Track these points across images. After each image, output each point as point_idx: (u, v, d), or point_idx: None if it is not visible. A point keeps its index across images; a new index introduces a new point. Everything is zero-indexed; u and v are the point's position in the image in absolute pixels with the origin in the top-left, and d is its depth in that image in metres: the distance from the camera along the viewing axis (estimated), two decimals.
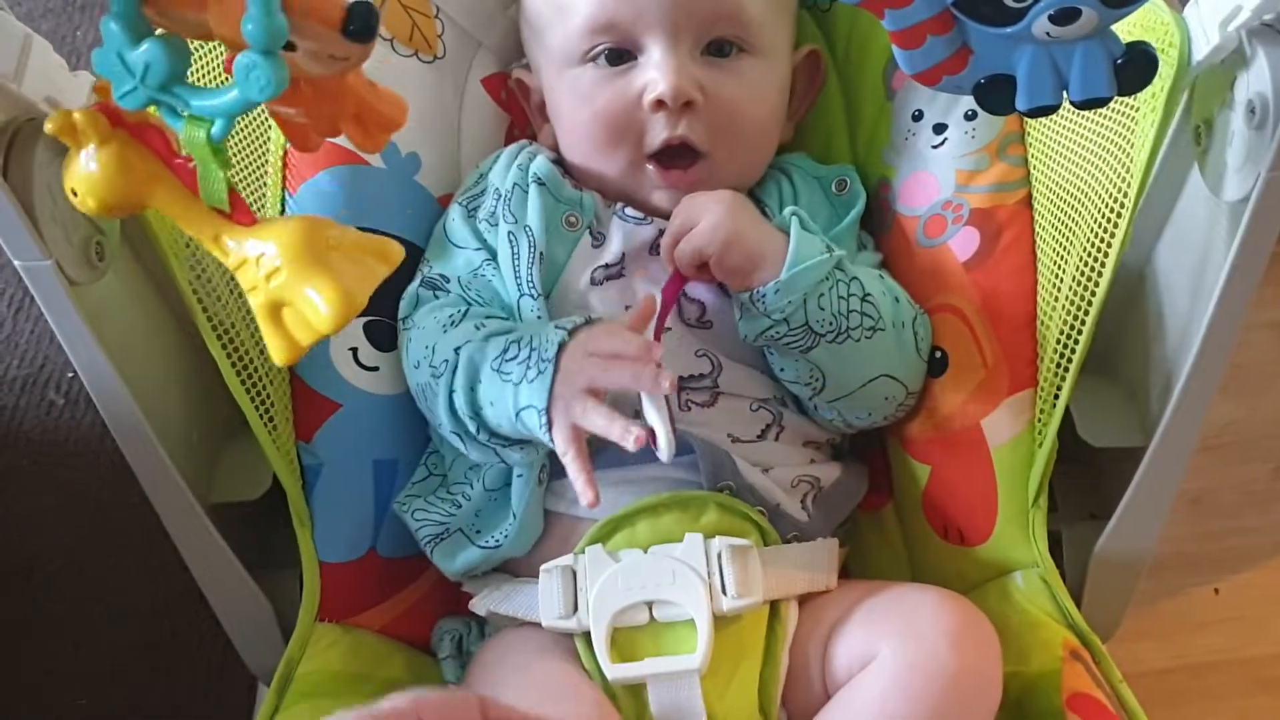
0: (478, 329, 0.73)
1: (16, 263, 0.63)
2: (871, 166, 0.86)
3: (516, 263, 0.77)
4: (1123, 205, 0.68)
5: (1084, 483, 0.82)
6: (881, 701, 0.65)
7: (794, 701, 0.71)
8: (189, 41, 0.53)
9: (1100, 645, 0.72)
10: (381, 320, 0.80)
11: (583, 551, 0.72)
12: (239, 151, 0.79)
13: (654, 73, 0.77)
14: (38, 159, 0.62)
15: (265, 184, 0.80)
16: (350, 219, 0.78)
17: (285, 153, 0.80)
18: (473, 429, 0.72)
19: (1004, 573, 0.77)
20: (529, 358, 0.69)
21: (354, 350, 0.79)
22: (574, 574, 0.72)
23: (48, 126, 0.53)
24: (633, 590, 0.70)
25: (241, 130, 0.79)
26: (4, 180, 0.61)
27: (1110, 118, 0.70)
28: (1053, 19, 0.52)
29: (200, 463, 0.80)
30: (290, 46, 0.50)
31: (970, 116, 0.80)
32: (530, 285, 0.77)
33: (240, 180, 0.78)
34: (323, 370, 0.78)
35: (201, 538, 0.75)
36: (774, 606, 0.72)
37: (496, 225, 0.80)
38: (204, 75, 0.75)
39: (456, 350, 0.72)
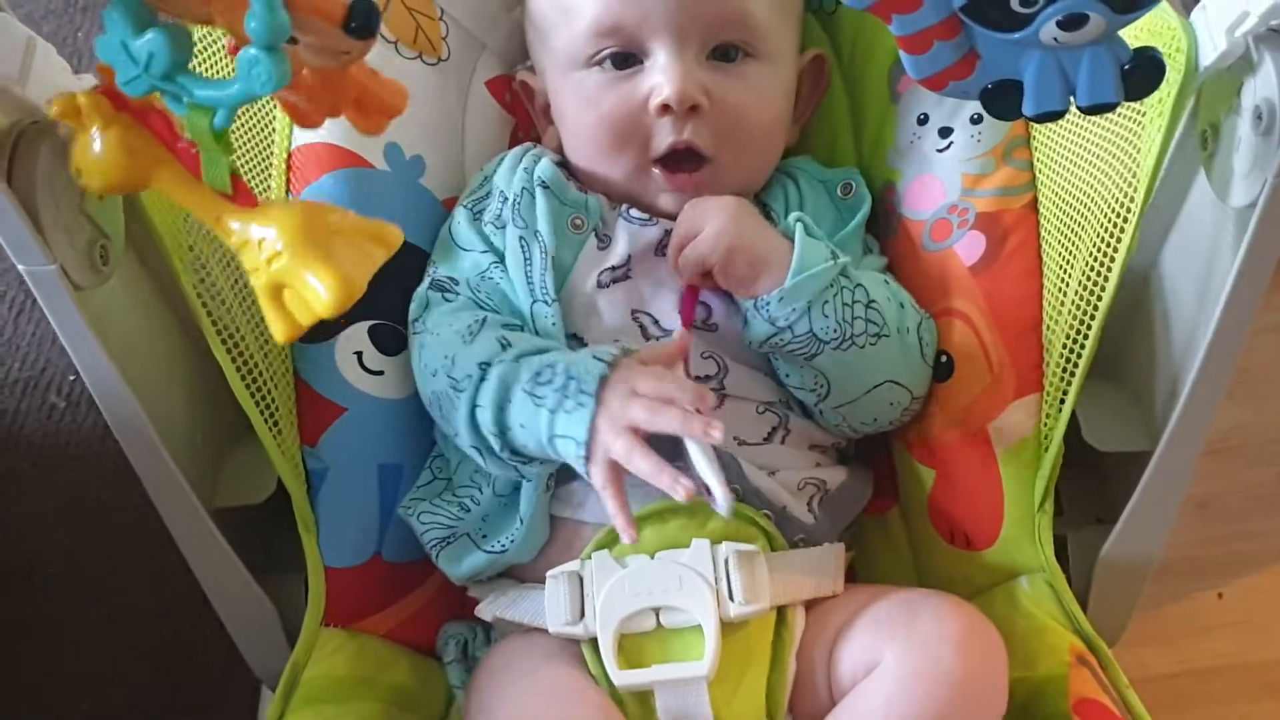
0: (504, 346, 0.73)
1: (21, 267, 0.63)
2: (876, 170, 0.86)
3: (529, 268, 0.77)
4: (1129, 210, 0.68)
5: (1089, 487, 0.82)
6: (886, 707, 0.65)
7: (801, 707, 0.71)
8: (191, 28, 0.54)
9: (1107, 650, 0.72)
10: (386, 324, 0.80)
11: (589, 557, 0.72)
12: (242, 154, 0.79)
13: (659, 77, 0.77)
14: (41, 163, 0.62)
15: (269, 186, 0.80)
16: None
17: (289, 155, 0.80)
18: (496, 446, 0.71)
19: (1010, 577, 0.77)
20: (565, 386, 0.69)
21: (359, 354, 0.79)
22: (580, 580, 0.72)
23: (52, 109, 0.54)
24: (640, 596, 0.70)
25: (245, 131, 0.79)
26: (8, 185, 0.60)
27: (1117, 122, 0.70)
28: (1061, 25, 0.52)
29: (204, 467, 0.79)
30: (293, 40, 0.50)
31: (976, 120, 0.80)
32: (544, 291, 0.77)
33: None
34: (327, 374, 0.78)
35: (206, 542, 0.75)
36: (781, 612, 0.72)
37: (504, 228, 0.80)
38: (206, 60, 0.75)
39: (482, 366, 0.72)
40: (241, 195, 0.55)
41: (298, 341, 0.76)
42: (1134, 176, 0.68)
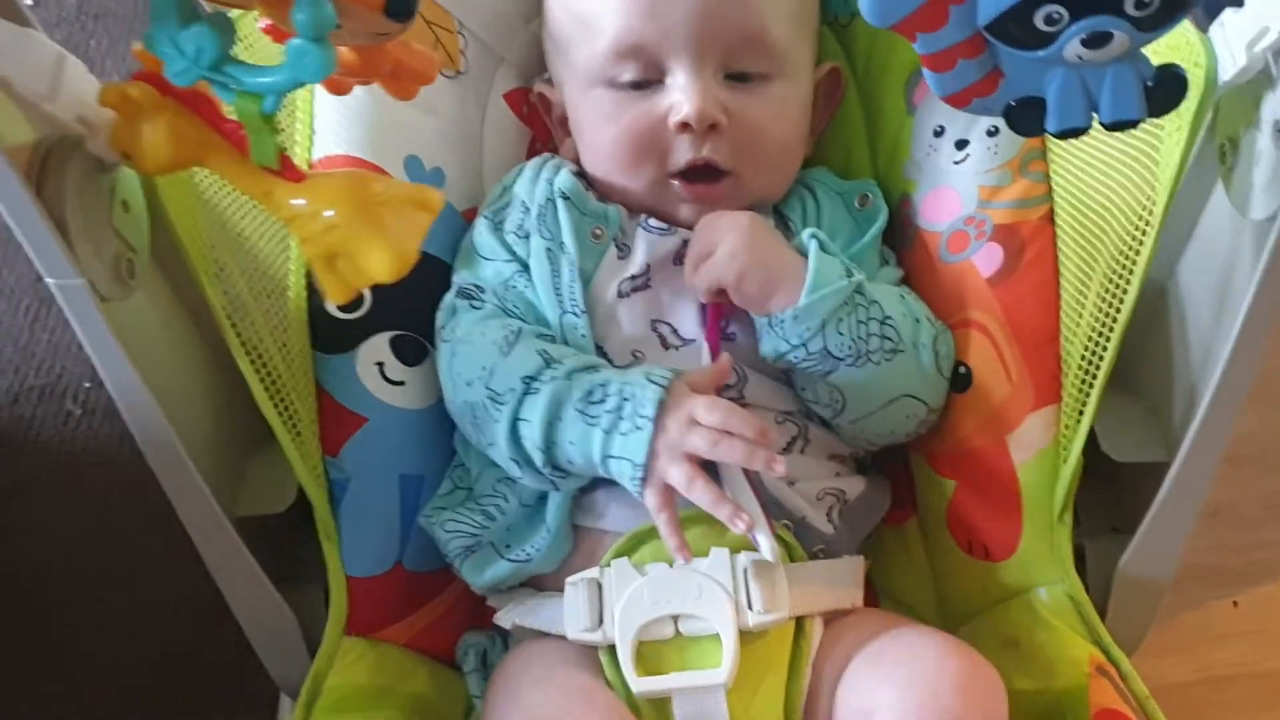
0: (547, 361, 0.74)
1: (49, 280, 0.63)
2: (893, 181, 0.87)
3: (557, 280, 0.78)
4: (1148, 223, 0.68)
5: (1106, 497, 0.82)
6: None
7: (814, 717, 0.71)
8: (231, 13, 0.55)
9: (1126, 661, 0.72)
10: (408, 335, 0.81)
11: (609, 564, 0.73)
12: None
13: (679, 95, 0.78)
14: (70, 178, 0.62)
15: None
16: None
17: (310, 165, 0.80)
18: (539, 461, 0.72)
19: (1028, 588, 0.77)
20: (619, 408, 0.70)
21: (380, 365, 0.79)
22: (599, 587, 0.72)
23: (101, 98, 0.56)
24: (659, 604, 0.70)
25: None
26: (38, 198, 0.61)
27: (1134, 135, 0.70)
28: (1085, 43, 0.52)
29: (225, 477, 0.80)
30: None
31: (992, 133, 0.80)
32: (573, 303, 0.77)
33: None
34: (349, 385, 0.79)
35: (229, 551, 0.75)
36: (799, 622, 0.72)
37: (526, 237, 0.80)
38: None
39: (526, 380, 0.73)
40: (289, 170, 0.57)
41: (319, 352, 0.79)
42: (1152, 189, 0.69)
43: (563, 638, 0.73)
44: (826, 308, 0.73)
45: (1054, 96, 0.55)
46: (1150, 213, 0.68)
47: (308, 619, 0.80)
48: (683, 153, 0.79)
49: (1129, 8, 0.51)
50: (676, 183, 0.80)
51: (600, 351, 0.78)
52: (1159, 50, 0.63)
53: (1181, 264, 0.76)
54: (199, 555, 0.76)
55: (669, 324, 0.79)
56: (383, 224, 0.55)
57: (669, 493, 0.70)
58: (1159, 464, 0.75)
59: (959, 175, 0.81)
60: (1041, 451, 0.76)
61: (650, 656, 0.70)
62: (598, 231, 0.80)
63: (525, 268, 0.80)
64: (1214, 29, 0.65)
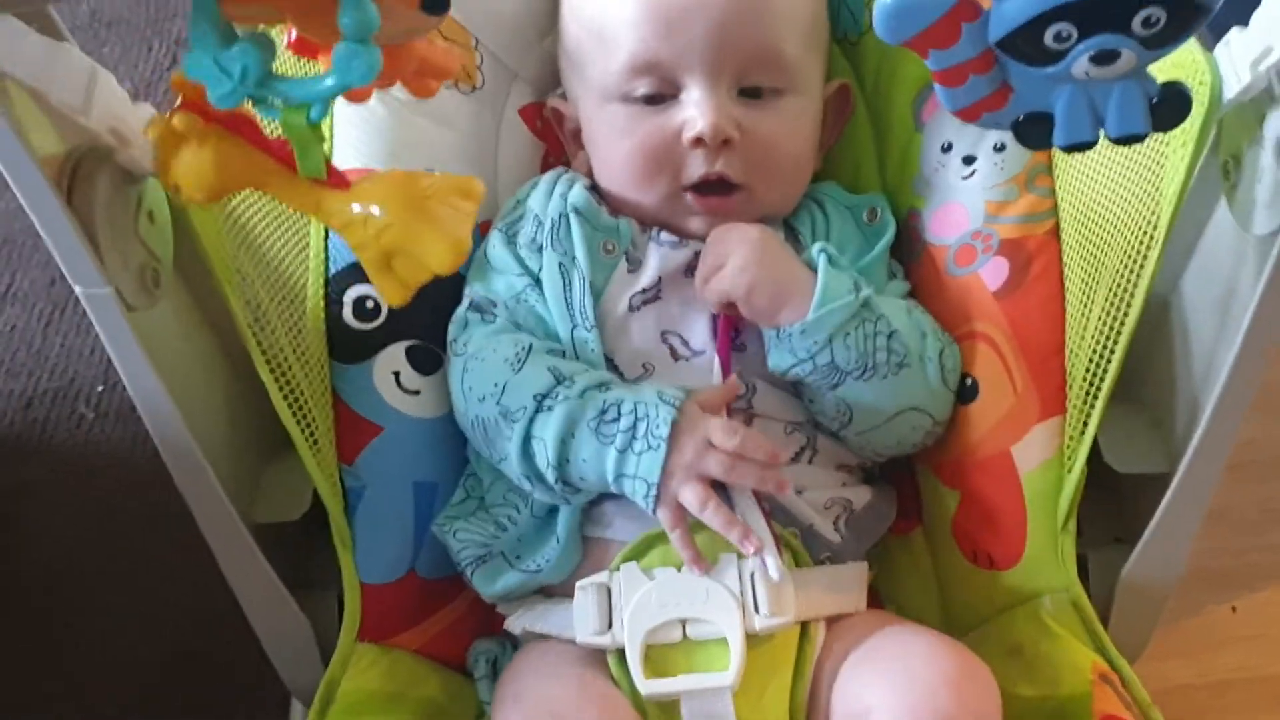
0: (558, 378, 0.75)
1: (77, 289, 0.64)
2: (901, 196, 0.88)
3: (568, 294, 0.79)
4: (1152, 238, 0.70)
5: (1109, 508, 0.83)
6: None
7: (816, 718, 0.72)
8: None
9: (1128, 668, 0.73)
10: (423, 345, 0.82)
11: (618, 569, 0.74)
12: None
13: (693, 111, 0.79)
14: (100, 188, 0.64)
15: None
16: None
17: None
18: (551, 478, 0.74)
19: (1033, 597, 0.78)
20: (633, 427, 0.72)
21: (396, 374, 0.81)
22: (609, 591, 0.73)
23: (149, 132, 0.56)
24: (667, 608, 0.72)
25: None
26: (69, 208, 0.62)
27: (1139, 151, 0.72)
28: (1093, 60, 0.53)
29: (242, 485, 0.81)
30: None
31: (999, 149, 0.81)
32: (584, 317, 0.79)
33: None
34: (365, 394, 0.80)
35: (246, 558, 0.76)
36: (804, 626, 0.73)
37: (540, 251, 0.82)
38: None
39: (537, 398, 0.74)
40: (335, 178, 0.58)
41: (337, 362, 0.80)
42: (1156, 204, 0.70)
43: (571, 642, 0.74)
44: (834, 322, 0.75)
45: (1062, 112, 0.56)
46: (1155, 227, 0.70)
47: (320, 625, 0.81)
48: (696, 167, 0.80)
49: (1136, 27, 0.52)
50: (689, 196, 0.81)
51: (610, 364, 0.79)
52: (1166, 68, 0.65)
53: (1185, 278, 0.77)
54: (210, 559, 0.77)
55: (680, 335, 0.80)
56: (435, 216, 0.56)
57: (682, 510, 0.72)
58: (1161, 475, 0.76)
59: (966, 190, 0.83)
60: (1046, 462, 0.77)
61: (658, 659, 0.71)
62: (609, 246, 0.82)
63: (537, 281, 0.81)
64: (1219, 48, 0.67)
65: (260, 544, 0.78)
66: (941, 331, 0.81)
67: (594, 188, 0.85)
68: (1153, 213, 0.70)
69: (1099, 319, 0.73)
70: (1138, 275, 0.71)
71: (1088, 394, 0.74)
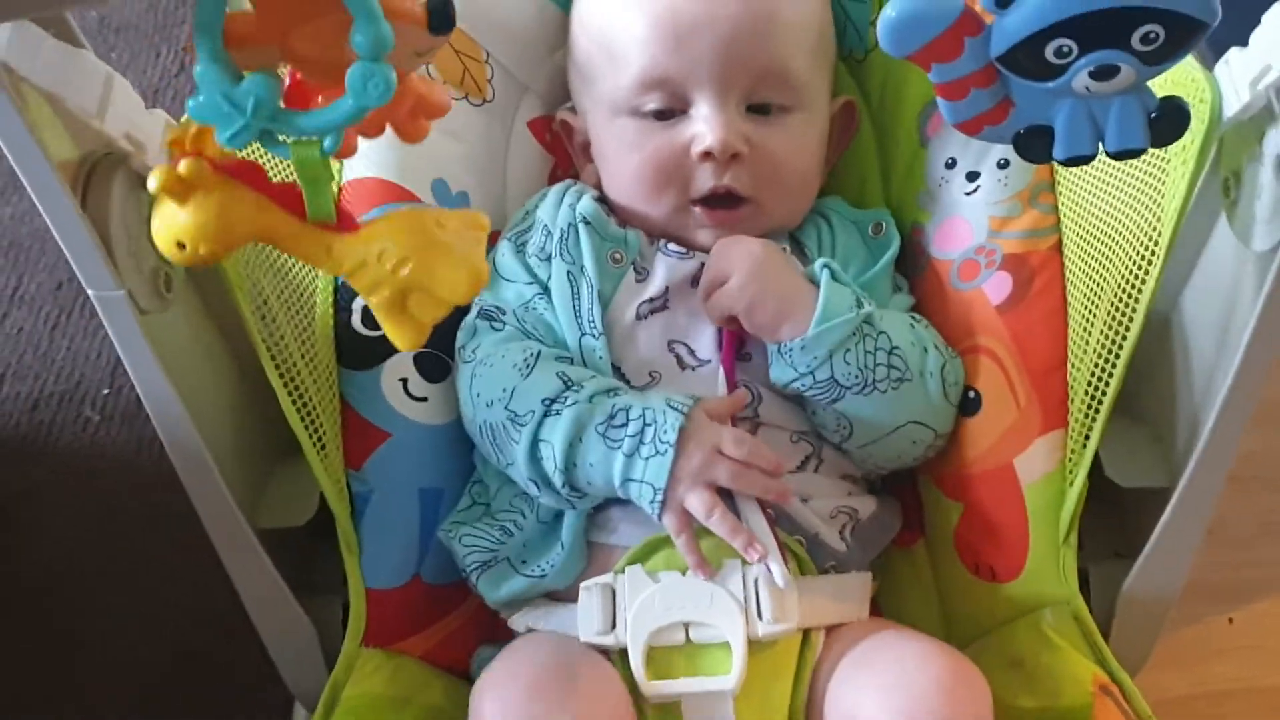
0: (567, 383, 0.76)
1: (91, 291, 0.65)
2: (905, 211, 0.89)
3: (577, 303, 0.80)
4: (1153, 253, 0.70)
5: (1109, 521, 0.83)
6: None
7: None
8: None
9: (1129, 681, 0.73)
10: (431, 352, 0.83)
11: (622, 570, 0.75)
12: None
13: (702, 126, 0.80)
14: (115, 192, 0.65)
15: None
16: None
17: (339, 189, 0.83)
18: (558, 482, 0.75)
19: (1034, 609, 0.78)
20: (641, 432, 0.73)
21: (404, 381, 0.81)
22: (613, 592, 0.74)
23: (151, 184, 0.53)
24: (671, 610, 0.72)
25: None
26: (84, 211, 0.63)
27: (1140, 168, 0.73)
28: (1093, 75, 0.54)
29: (249, 489, 0.81)
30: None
31: (1003, 165, 0.82)
32: (592, 325, 0.79)
33: None
34: (373, 400, 0.81)
35: (252, 563, 0.77)
36: (806, 633, 0.74)
37: (548, 260, 0.83)
38: None
39: (545, 402, 0.75)
40: (345, 221, 0.57)
41: (345, 368, 0.80)
42: (1158, 220, 0.71)
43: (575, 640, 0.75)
44: (834, 339, 0.76)
45: (1062, 125, 0.57)
46: (1156, 243, 0.70)
47: (324, 630, 0.81)
48: (704, 180, 0.81)
49: (1135, 43, 0.53)
50: (697, 209, 0.82)
51: (618, 372, 0.80)
52: (1166, 87, 0.66)
53: (1185, 294, 0.78)
54: (212, 561, 0.78)
55: (686, 345, 0.81)
56: (450, 247, 0.56)
57: (687, 515, 0.73)
58: (1162, 489, 0.76)
59: (970, 206, 0.83)
60: (1048, 475, 0.77)
61: (660, 661, 0.72)
62: (617, 255, 0.83)
63: (545, 290, 0.82)
64: (1219, 67, 0.68)
65: (265, 548, 0.78)
66: (944, 345, 0.81)
67: (602, 199, 0.86)
68: (1154, 229, 0.71)
69: (1101, 333, 0.74)
70: (1139, 290, 0.71)
71: (1089, 408, 0.75)
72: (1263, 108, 0.66)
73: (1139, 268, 0.72)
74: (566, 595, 0.78)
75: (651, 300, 0.81)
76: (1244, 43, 0.66)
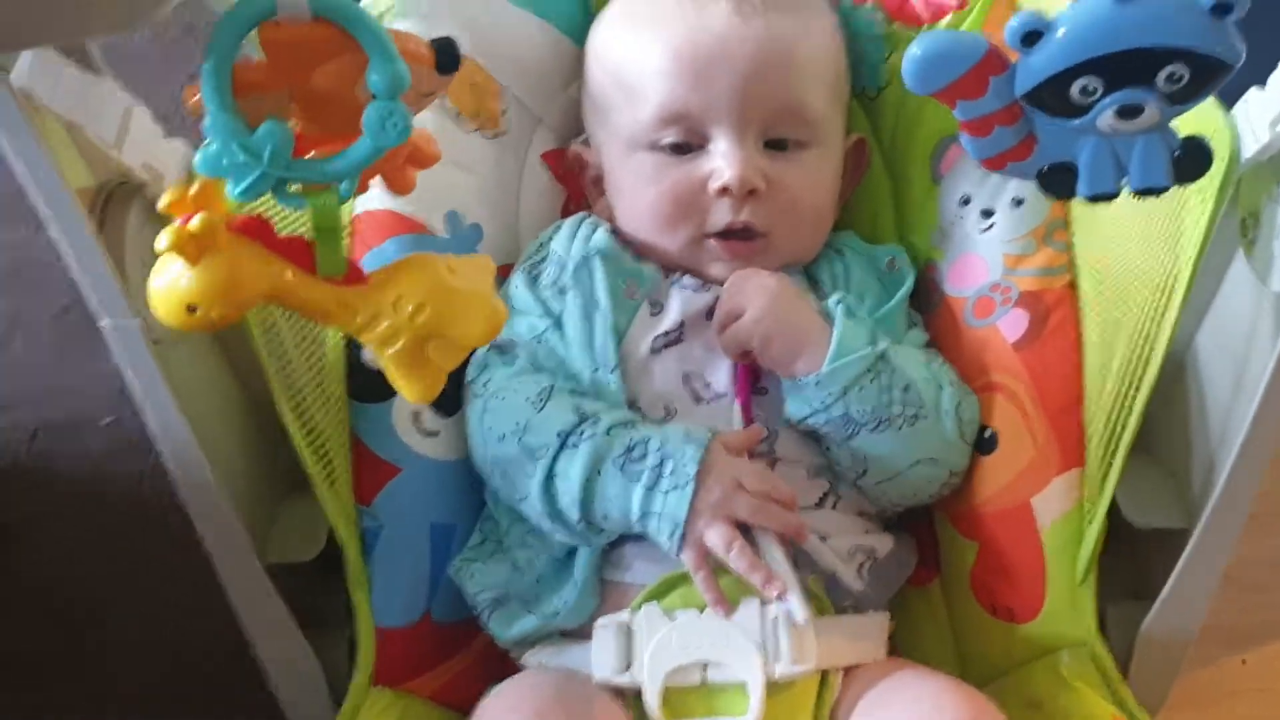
0: (583, 416, 0.75)
1: (105, 321, 0.65)
2: (918, 247, 0.89)
3: (590, 336, 0.80)
4: (1172, 292, 0.70)
5: (1124, 561, 0.83)
6: None
7: None
8: None
9: None
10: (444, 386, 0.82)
11: (638, 608, 0.74)
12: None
13: (720, 162, 0.80)
14: (131, 221, 0.64)
15: None
16: None
17: (352, 221, 0.83)
18: (574, 516, 0.74)
19: (1051, 650, 0.77)
20: (660, 465, 0.73)
21: (416, 415, 0.81)
22: (629, 630, 0.73)
23: (161, 244, 0.51)
24: (688, 650, 0.72)
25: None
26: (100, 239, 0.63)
27: (1157, 207, 0.72)
28: (1118, 113, 0.54)
29: (257, 523, 0.80)
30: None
31: (1017, 203, 0.82)
32: (605, 359, 0.79)
33: None
34: (384, 434, 0.80)
35: (260, 597, 0.76)
36: (823, 675, 0.73)
37: (562, 293, 0.82)
38: None
39: (561, 435, 0.75)
40: (355, 273, 0.56)
41: (356, 401, 0.79)
42: (1175, 259, 0.71)
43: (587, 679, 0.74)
44: (848, 375, 0.75)
45: (1085, 163, 0.57)
46: (1174, 282, 0.70)
47: (330, 668, 0.80)
48: (721, 215, 0.81)
49: (1161, 82, 0.53)
50: (713, 241, 0.82)
51: (632, 406, 0.79)
52: (1186, 127, 0.66)
53: (1200, 333, 0.78)
54: (215, 594, 0.77)
55: (702, 378, 0.80)
56: (465, 291, 0.56)
57: (706, 551, 0.72)
58: (1178, 529, 0.76)
59: (985, 243, 0.83)
60: (1066, 514, 0.77)
61: (677, 702, 0.71)
62: (632, 289, 0.82)
63: (558, 323, 0.82)
64: (1238, 107, 0.68)
65: (272, 582, 0.77)
66: (959, 383, 0.81)
67: (616, 232, 0.85)
68: (1171, 268, 0.71)
69: (1119, 372, 0.74)
70: (1157, 329, 0.71)
71: (1108, 447, 0.74)
72: None
73: (1156, 306, 0.72)
74: (580, 633, 0.77)
75: (667, 334, 0.81)
76: (1262, 83, 0.66)
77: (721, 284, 0.81)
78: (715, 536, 0.71)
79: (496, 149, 0.90)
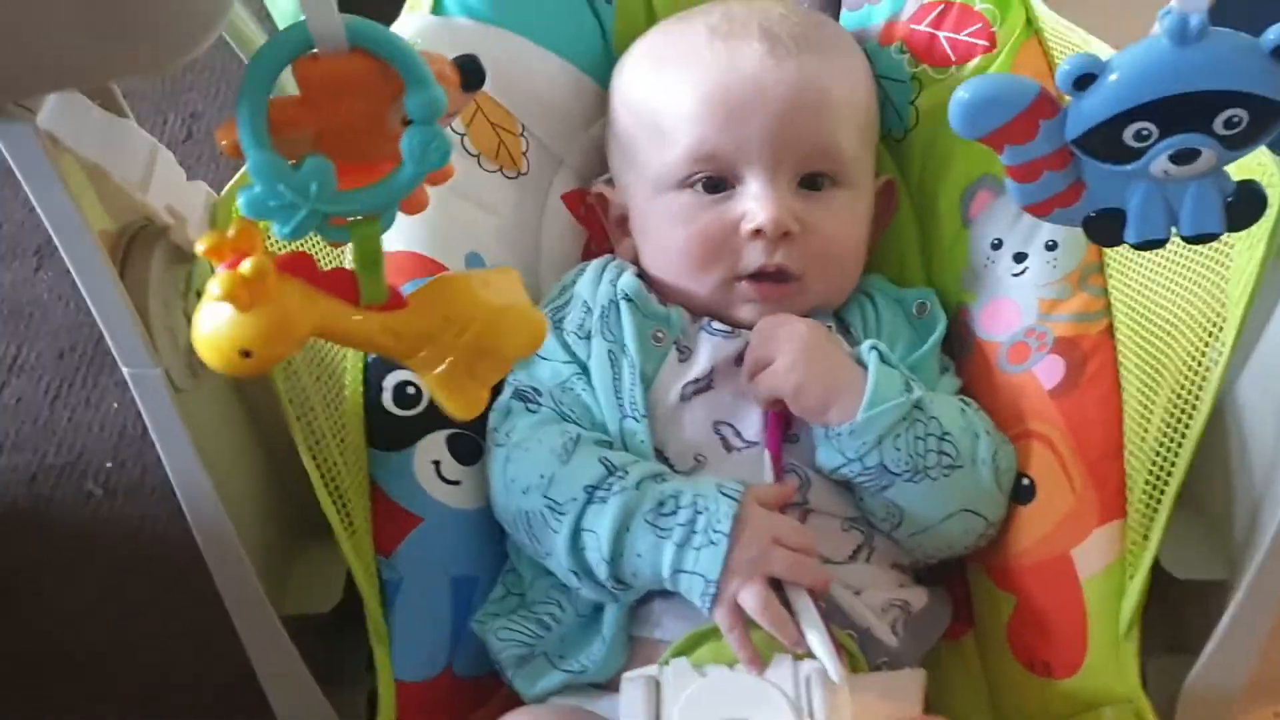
0: (610, 469, 0.73)
1: (126, 369, 0.63)
2: (948, 291, 0.88)
3: (618, 383, 0.78)
4: (1218, 340, 0.69)
5: (1162, 613, 0.81)
6: None
7: None
8: None
9: None
10: (465, 433, 0.80)
11: (667, 663, 0.72)
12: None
13: (753, 204, 0.79)
14: (154, 265, 0.63)
15: None
16: None
17: None
18: (603, 573, 0.72)
19: (1092, 707, 0.75)
20: (692, 521, 0.71)
21: (436, 463, 0.79)
22: (657, 685, 0.71)
23: (214, 291, 0.49)
24: (719, 708, 0.69)
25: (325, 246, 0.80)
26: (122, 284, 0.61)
27: (1201, 251, 0.71)
28: (1172, 159, 0.53)
29: (273, 574, 0.78)
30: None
31: (1051, 246, 0.81)
32: (634, 408, 0.77)
33: None
34: (405, 483, 0.78)
35: (278, 650, 0.74)
36: None
37: (586, 338, 0.81)
38: None
39: (588, 490, 0.73)
40: (396, 299, 0.55)
41: (375, 450, 0.78)
42: (1221, 306, 0.69)
43: None
44: (884, 424, 0.74)
45: (1135, 209, 0.56)
46: (1220, 328, 0.69)
47: None
48: (754, 257, 0.80)
49: (1218, 127, 0.52)
50: (743, 283, 0.81)
51: (660, 456, 0.77)
52: (1233, 169, 0.65)
53: (1242, 379, 0.76)
54: (216, 638, 0.75)
55: (732, 426, 0.78)
56: (505, 305, 0.55)
57: (740, 609, 0.70)
58: (1219, 581, 0.74)
59: (1018, 287, 0.82)
60: (1108, 566, 0.75)
61: None
62: (659, 334, 0.81)
63: (583, 369, 0.80)
64: None
65: (289, 633, 0.75)
66: (995, 430, 0.80)
67: (641, 275, 0.84)
68: (1217, 314, 0.69)
69: (1161, 421, 0.72)
70: (1203, 379, 0.70)
71: (1150, 498, 0.73)
72: None
73: (1200, 354, 0.70)
74: (607, 685, 0.74)
75: (696, 381, 0.79)
76: None
77: (749, 328, 0.80)
78: (749, 597, 0.69)
79: (517, 189, 0.89)
